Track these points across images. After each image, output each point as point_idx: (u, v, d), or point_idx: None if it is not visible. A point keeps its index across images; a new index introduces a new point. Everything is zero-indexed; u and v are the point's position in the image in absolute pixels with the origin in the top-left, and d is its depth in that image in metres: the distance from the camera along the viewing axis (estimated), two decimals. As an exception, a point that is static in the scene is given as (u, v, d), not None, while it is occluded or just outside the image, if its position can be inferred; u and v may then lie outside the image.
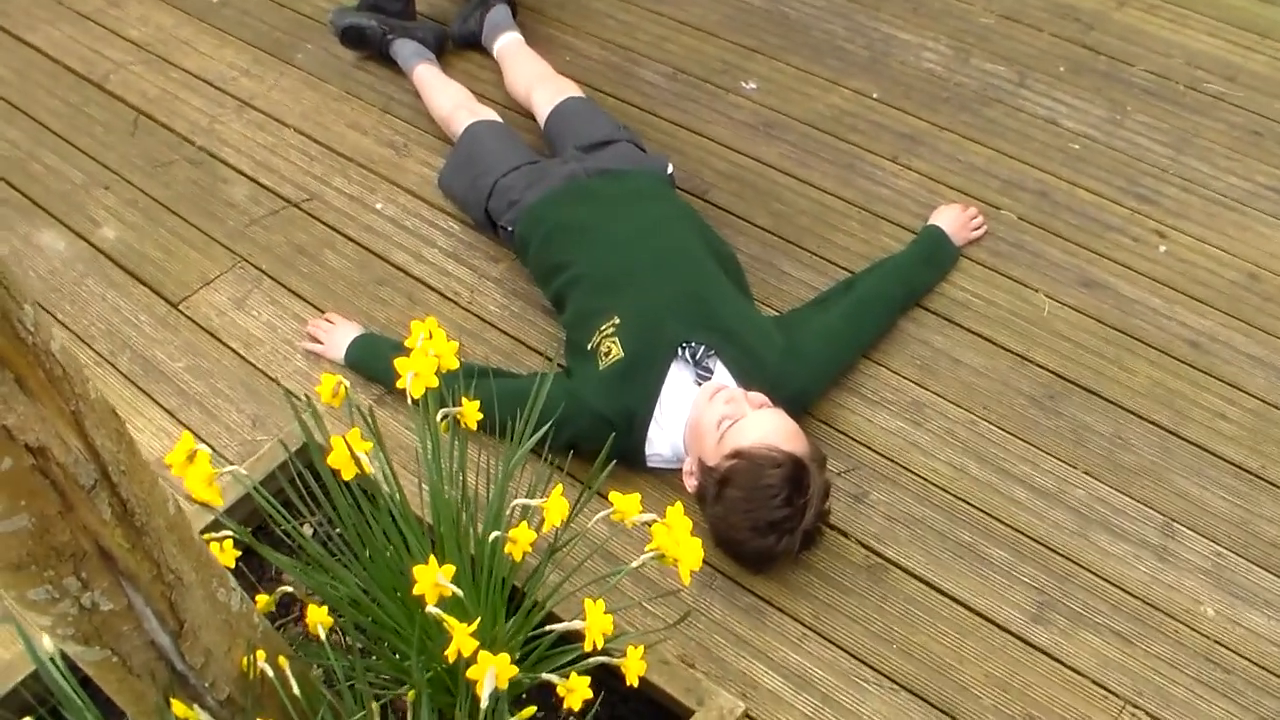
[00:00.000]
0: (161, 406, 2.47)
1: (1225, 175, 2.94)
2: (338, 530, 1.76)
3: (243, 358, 2.55)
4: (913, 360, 2.50)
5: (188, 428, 2.41)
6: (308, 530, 2.13)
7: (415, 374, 1.63)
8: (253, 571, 2.17)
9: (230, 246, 2.81)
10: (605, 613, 1.51)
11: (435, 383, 1.62)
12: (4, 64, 3.46)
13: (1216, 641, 2.07)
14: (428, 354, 1.65)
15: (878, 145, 3.03)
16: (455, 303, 2.65)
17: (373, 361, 2.43)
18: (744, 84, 3.24)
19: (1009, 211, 2.83)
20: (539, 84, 3.02)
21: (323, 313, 2.62)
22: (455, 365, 1.65)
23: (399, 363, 1.61)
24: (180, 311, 2.67)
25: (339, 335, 2.50)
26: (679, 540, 1.55)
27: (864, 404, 2.42)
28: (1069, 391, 2.45)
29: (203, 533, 1.64)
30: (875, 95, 3.19)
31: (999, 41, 3.37)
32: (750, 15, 3.50)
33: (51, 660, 1.55)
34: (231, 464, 2.31)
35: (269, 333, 2.60)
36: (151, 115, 3.23)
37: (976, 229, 2.75)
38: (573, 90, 2.97)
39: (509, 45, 3.23)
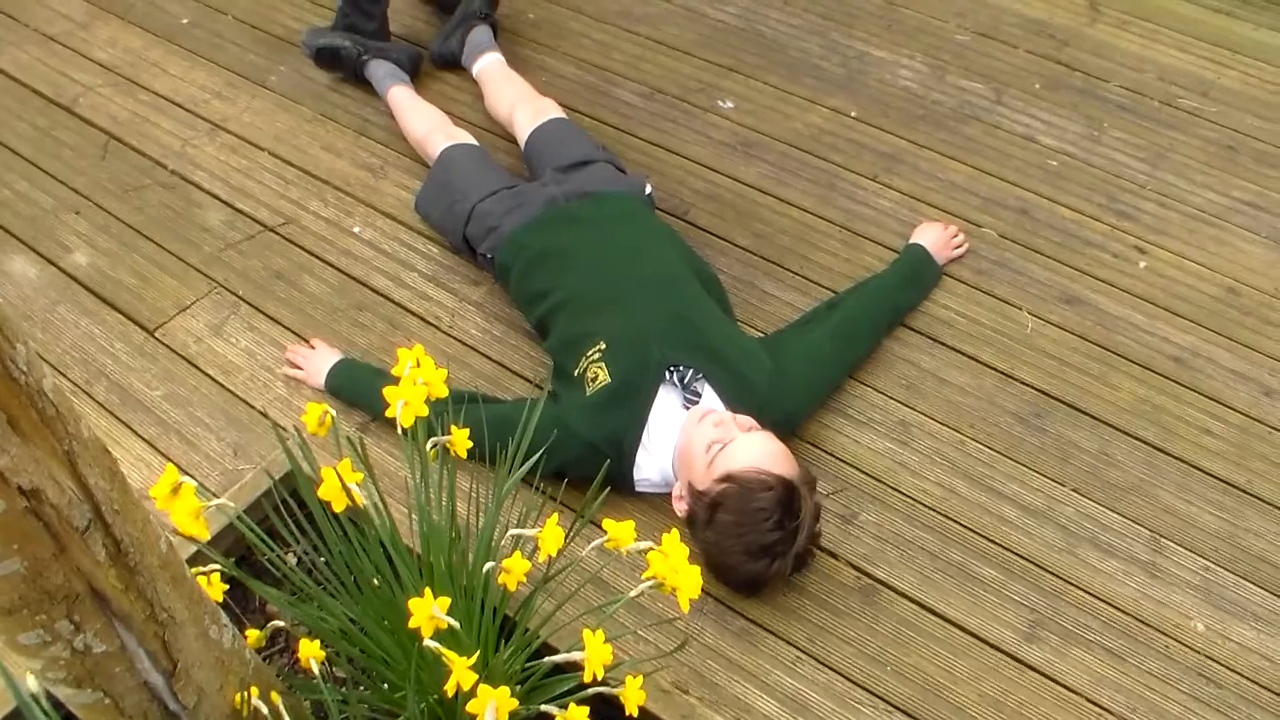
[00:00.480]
0: (140, 436, 2.43)
1: (1202, 190, 2.96)
2: (323, 559, 1.74)
3: (221, 385, 2.52)
4: (899, 380, 2.49)
5: (167, 457, 2.38)
6: (291, 559, 2.11)
7: (405, 403, 1.61)
8: (237, 602, 2.14)
9: (206, 272, 2.78)
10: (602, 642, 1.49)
11: (425, 412, 1.61)
12: (-31, 88, 3.42)
13: (1208, 657, 2.07)
14: (416, 382, 1.63)
15: (857, 164, 3.03)
16: (436, 327, 2.63)
17: (354, 388, 2.41)
18: (721, 103, 3.24)
19: (990, 229, 2.84)
20: (521, 105, 3.00)
21: (303, 339, 2.59)
22: (444, 393, 1.63)
23: (388, 392, 1.59)
24: (156, 339, 2.63)
25: (319, 361, 2.47)
26: (677, 568, 1.53)
27: (851, 425, 2.41)
28: (1054, 409, 2.45)
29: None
30: (853, 113, 3.19)
31: (974, 58, 3.39)
32: (725, 34, 3.50)
33: (34, 698, 1.52)
34: (213, 493, 2.28)
35: (247, 359, 2.57)
36: (122, 139, 3.20)
37: (958, 247, 2.75)
38: (554, 111, 2.96)
39: (490, 66, 3.21)
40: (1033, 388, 2.49)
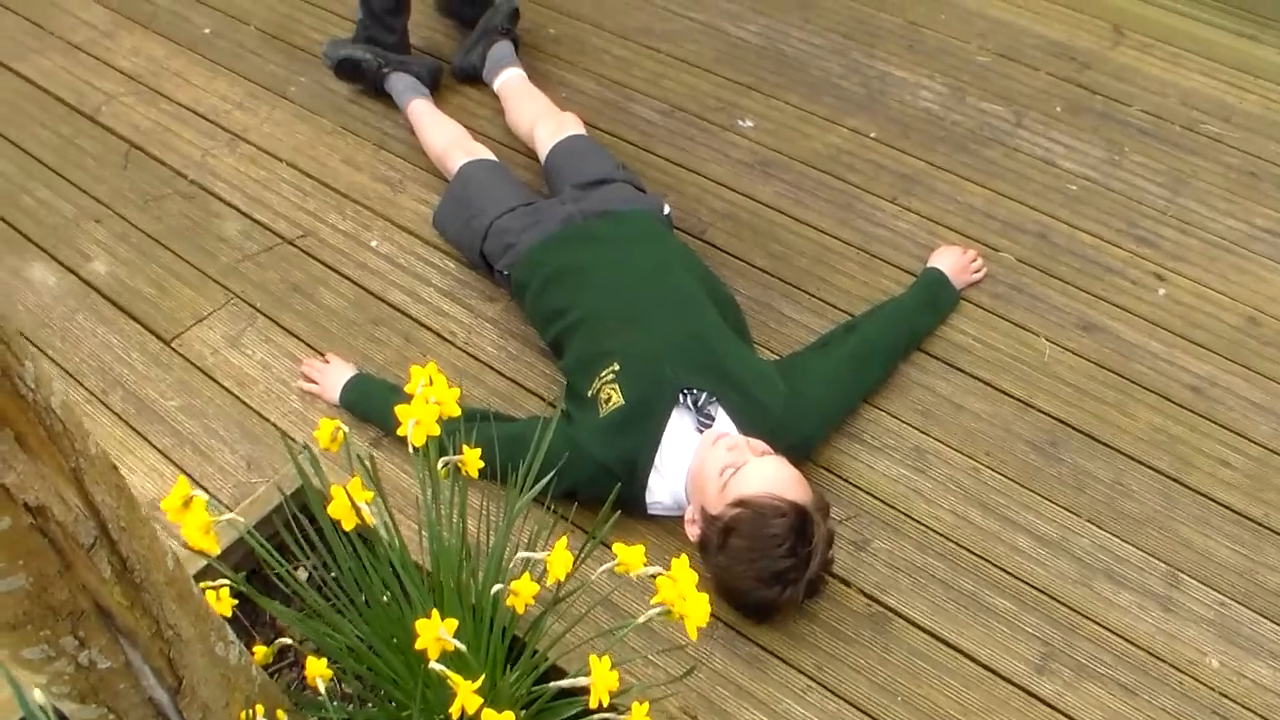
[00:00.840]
0: (154, 447, 2.44)
1: (1223, 217, 2.94)
2: (333, 574, 1.74)
3: (236, 397, 2.52)
4: (914, 406, 2.48)
5: (181, 469, 2.38)
6: (303, 574, 2.11)
7: (417, 422, 1.61)
8: (247, 615, 2.14)
9: (223, 283, 2.78)
10: (610, 668, 1.48)
11: (437, 431, 1.60)
12: (-3, 95, 3.44)
13: (1222, 694, 2.05)
14: (428, 401, 1.63)
15: (876, 185, 3.02)
16: (451, 343, 2.62)
17: (368, 404, 2.40)
18: (740, 121, 3.23)
19: (1008, 254, 2.82)
20: (541, 120, 3.01)
21: (319, 353, 2.59)
22: (457, 412, 1.62)
23: (400, 410, 1.59)
24: (173, 349, 2.64)
25: (333, 375, 2.48)
26: (685, 594, 1.52)
27: (866, 450, 2.40)
28: (1070, 437, 2.43)
29: (197, 579, 1.62)
30: (873, 134, 3.18)
31: (995, 80, 3.38)
32: (746, 52, 3.49)
33: (41, 710, 1.52)
34: (225, 505, 2.29)
35: (263, 372, 2.57)
36: (143, 148, 3.21)
37: (976, 271, 2.73)
38: (575, 127, 2.96)
39: (512, 81, 3.22)
40: (1049, 415, 2.47)
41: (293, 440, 2.39)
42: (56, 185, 3.10)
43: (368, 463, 1.72)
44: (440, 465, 1.71)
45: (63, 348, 2.65)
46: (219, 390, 2.54)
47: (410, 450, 1.59)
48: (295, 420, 2.46)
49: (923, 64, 3.44)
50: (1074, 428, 2.45)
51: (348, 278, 2.79)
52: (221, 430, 2.46)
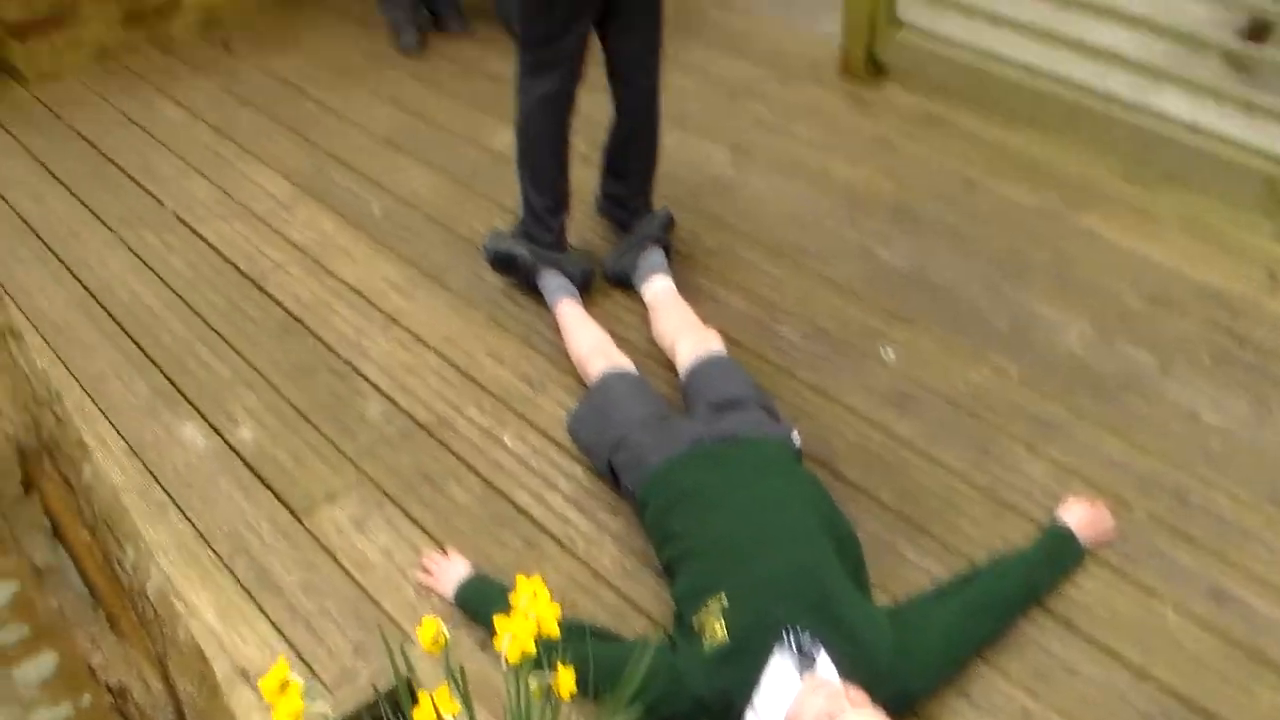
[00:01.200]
0: (269, 619, 2.50)
1: (1371, 490, 2.83)
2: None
3: (355, 581, 2.58)
4: (1027, 666, 2.40)
5: (291, 645, 2.44)
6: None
7: (512, 637, 1.63)
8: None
9: (358, 463, 2.88)
10: None
11: (534, 651, 1.63)
12: (180, 255, 3.66)
13: None
14: (528, 616, 1.65)
15: (1013, 427, 2.98)
16: (571, 552, 2.65)
17: (479, 606, 2.44)
18: (883, 350, 3.24)
19: (1141, 511, 2.75)
20: (684, 335, 3.07)
21: (440, 546, 2.64)
22: (555, 633, 1.64)
23: (497, 621, 1.62)
24: (301, 524, 2.72)
25: (451, 572, 2.53)
26: None
27: (971, 708, 2.32)
28: (1186, 713, 2.32)
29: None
30: (1014, 373, 3.15)
31: (1144, 325, 3.33)
32: (894, 277, 3.52)
33: None
34: (326, 687, 2.34)
35: (384, 559, 2.63)
36: (302, 320, 3.36)
37: (1106, 529, 2.67)
38: (716, 344, 3.01)
39: (662, 292, 3.30)
40: (1166, 688, 2.37)
41: (403, 631, 2.43)
42: (218, 348, 3.26)
43: (459, 675, 1.74)
44: (533, 684, 1.73)
45: (200, 508, 2.76)
46: (339, 571, 2.61)
47: (503, 665, 1.62)
48: (407, 612, 2.51)
49: (1072, 303, 3.41)
50: (1191, 703, 2.34)
51: (478, 472, 2.85)
52: (335, 612, 2.52)
